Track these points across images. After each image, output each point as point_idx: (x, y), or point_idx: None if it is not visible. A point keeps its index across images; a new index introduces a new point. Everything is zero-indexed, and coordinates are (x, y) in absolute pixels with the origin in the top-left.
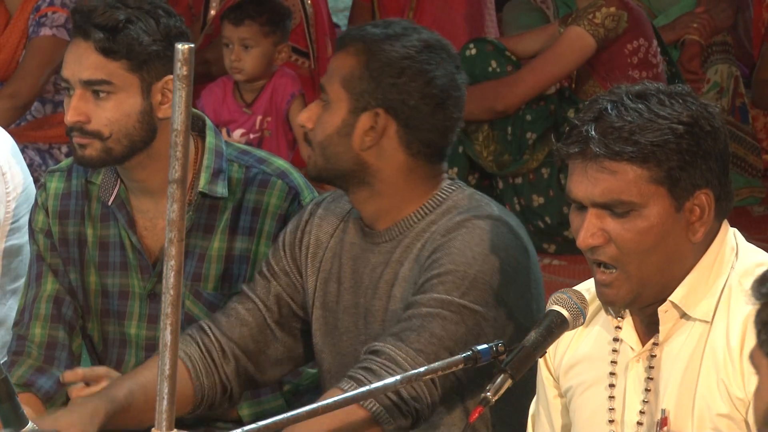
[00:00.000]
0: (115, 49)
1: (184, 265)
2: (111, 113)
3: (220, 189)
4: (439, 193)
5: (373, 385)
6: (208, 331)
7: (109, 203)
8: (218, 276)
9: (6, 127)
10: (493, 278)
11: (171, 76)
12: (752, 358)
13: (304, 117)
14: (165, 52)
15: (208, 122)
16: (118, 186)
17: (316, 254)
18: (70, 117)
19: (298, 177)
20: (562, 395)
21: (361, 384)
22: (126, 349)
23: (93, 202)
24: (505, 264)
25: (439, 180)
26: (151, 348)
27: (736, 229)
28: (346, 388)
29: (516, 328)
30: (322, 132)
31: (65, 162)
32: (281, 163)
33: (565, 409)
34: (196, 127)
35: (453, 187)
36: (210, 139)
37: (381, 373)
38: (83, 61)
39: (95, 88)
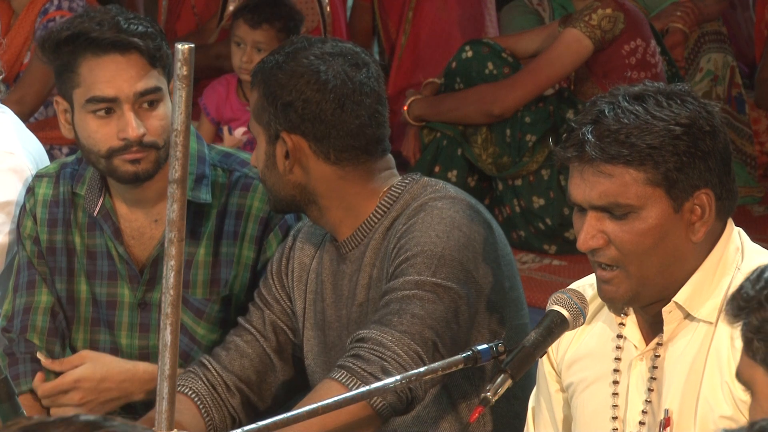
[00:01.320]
0: (157, 56)
1: None
2: (163, 121)
3: (204, 195)
4: (392, 189)
5: (374, 385)
6: (210, 367)
7: (95, 214)
8: (206, 282)
9: None
10: (460, 254)
11: None
12: (740, 375)
13: (252, 159)
14: (169, 54)
15: (191, 128)
16: (103, 197)
17: (301, 278)
18: (134, 131)
19: None
20: (563, 390)
21: (352, 372)
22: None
23: (79, 211)
24: (468, 239)
25: (388, 177)
26: (144, 357)
27: (741, 229)
28: (336, 377)
29: (488, 307)
30: (259, 169)
31: (53, 166)
32: None
33: (566, 404)
34: None
35: (407, 180)
36: (192, 144)
37: (370, 357)
38: (134, 74)
39: (150, 98)
